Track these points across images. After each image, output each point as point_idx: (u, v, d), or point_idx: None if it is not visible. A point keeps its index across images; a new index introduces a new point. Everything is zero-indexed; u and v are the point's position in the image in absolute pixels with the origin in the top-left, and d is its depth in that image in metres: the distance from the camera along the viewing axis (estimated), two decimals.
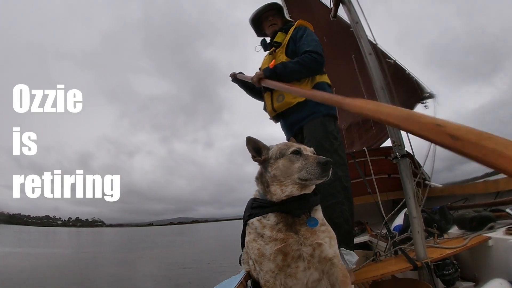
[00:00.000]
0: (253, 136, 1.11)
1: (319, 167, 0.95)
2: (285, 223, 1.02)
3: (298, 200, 1.02)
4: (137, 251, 18.40)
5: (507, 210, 2.03)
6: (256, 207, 1.07)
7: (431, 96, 3.33)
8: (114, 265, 12.43)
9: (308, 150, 1.06)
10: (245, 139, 1.11)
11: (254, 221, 1.05)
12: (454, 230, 2.21)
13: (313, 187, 1.05)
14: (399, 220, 2.53)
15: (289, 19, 2.29)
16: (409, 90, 3.36)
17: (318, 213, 1.09)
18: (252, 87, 2.10)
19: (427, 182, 3.21)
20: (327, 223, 1.11)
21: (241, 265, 1.31)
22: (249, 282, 1.15)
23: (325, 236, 1.04)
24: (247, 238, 1.08)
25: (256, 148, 1.11)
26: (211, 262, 11.81)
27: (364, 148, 3.36)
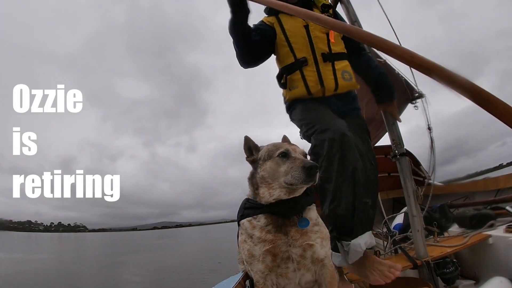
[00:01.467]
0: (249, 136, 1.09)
1: (304, 172, 0.92)
2: (274, 224, 1.00)
3: (288, 203, 1.00)
4: (121, 256, 18.13)
5: (507, 208, 2.03)
6: (248, 208, 1.06)
7: (420, 95, 3.33)
8: (97, 269, 12.34)
9: (297, 151, 1.03)
10: (243, 138, 1.10)
11: (245, 221, 1.05)
12: (454, 228, 2.21)
13: (303, 190, 1.02)
14: (399, 219, 2.53)
15: None
16: (398, 90, 3.36)
17: (311, 213, 1.07)
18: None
19: (427, 180, 3.21)
20: (321, 222, 1.09)
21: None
22: (247, 282, 1.15)
23: (317, 237, 1.02)
24: (239, 239, 1.08)
25: (249, 147, 1.10)
26: (197, 266, 11.76)
27: None
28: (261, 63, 1.67)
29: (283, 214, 1.01)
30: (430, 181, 3.17)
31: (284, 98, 1.66)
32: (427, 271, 1.68)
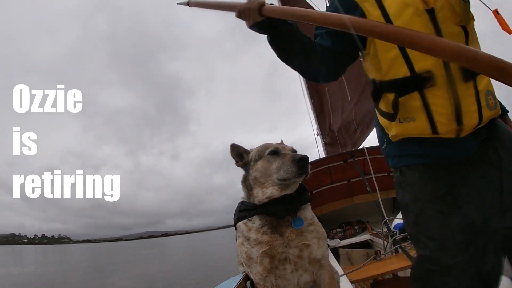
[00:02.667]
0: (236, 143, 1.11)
1: (295, 165, 0.94)
2: (270, 225, 1.01)
3: (281, 202, 1.01)
4: (107, 266, 17.84)
5: None
6: (243, 210, 1.06)
7: None
8: (83, 281, 12.23)
9: (287, 149, 1.05)
10: (229, 146, 1.12)
11: (241, 224, 1.05)
12: None
13: (296, 186, 1.03)
14: (399, 219, 2.54)
15: None
16: None
17: (306, 212, 1.07)
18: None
19: None
20: (317, 221, 1.08)
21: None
22: (248, 283, 1.15)
23: (313, 237, 1.02)
24: (237, 242, 1.09)
25: (238, 153, 1.11)
26: (185, 275, 11.67)
27: (364, 147, 3.36)
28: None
29: (277, 214, 1.01)
30: None
31: (382, 133, 0.99)
32: None
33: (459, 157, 0.88)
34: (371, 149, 3.34)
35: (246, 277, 1.17)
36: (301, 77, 5.67)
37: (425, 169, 0.91)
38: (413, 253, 1.80)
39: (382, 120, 0.98)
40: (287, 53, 0.97)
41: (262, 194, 1.01)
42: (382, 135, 1.00)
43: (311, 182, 3.67)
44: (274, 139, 1.17)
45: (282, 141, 1.17)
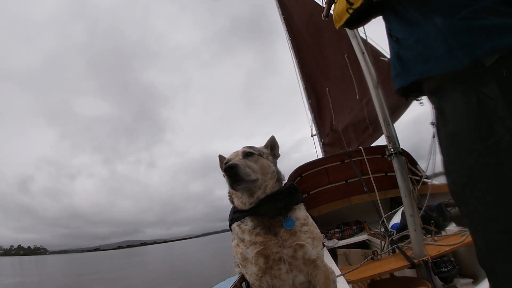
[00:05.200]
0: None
1: (227, 177, 0.95)
2: (262, 226, 1.02)
3: (267, 202, 1.02)
4: (86, 276, 17.78)
5: None
6: (237, 212, 1.08)
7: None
8: None
9: (239, 155, 1.06)
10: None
11: (235, 226, 1.07)
12: (452, 227, 2.21)
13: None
14: (397, 219, 2.53)
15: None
16: None
17: (298, 212, 1.07)
18: None
19: (425, 180, 3.21)
20: (311, 222, 1.09)
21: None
22: (243, 284, 1.15)
23: (307, 237, 1.02)
24: (232, 243, 1.10)
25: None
26: (165, 284, 11.66)
27: (360, 147, 3.36)
28: None
29: (267, 214, 1.02)
30: (426, 180, 3.18)
31: None
32: (425, 270, 1.68)
33: None
34: (368, 149, 3.35)
35: (242, 278, 1.17)
36: (299, 78, 5.68)
37: None
38: (410, 253, 1.79)
39: None
40: None
41: (241, 203, 1.05)
42: None
43: (308, 182, 3.67)
44: (254, 143, 1.18)
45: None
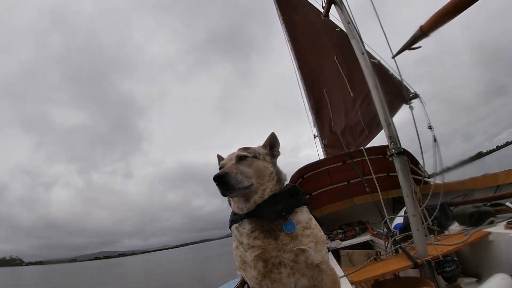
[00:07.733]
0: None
1: (216, 185, 0.91)
2: (261, 229, 0.99)
3: (265, 204, 0.99)
4: None
5: (507, 203, 2.02)
6: (236, 214, 1.07)
7: (416, 96, 3.36)
8: None
9: (233, 159, 1.04)
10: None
11: (233, 228, 1.06)
12: (455, 226, 2.20)
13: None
14: (399, 219, 2.52)
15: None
16: (393, 91, 3.40)
17: (299, 215, 1.03)
18: None
19: (426, 179, 3.20)
20: (314, 225, 1.05)
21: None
22: (245, 286, 1.15)
23: (310, 241, 0.99)
24: (232, 246, 1.09)
25: None
26: None
27: (362, 147, 3.35)
28: None
29: (265, 217, 0.99)
30: (428, 179, 3.17)
31: None
32: (428, 270, 1.67)
33: None
34: (369, 149, 3.34)
35: (243, 282, 1.16)
36: (299, 79, 5.69)
37: None
38: (413, 253, 1.79)
39: None
40: None
41: (238, 208, 1.03)
42: None
43: (311, 184, 3.67)
44: (229, 153, 1.14)
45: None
